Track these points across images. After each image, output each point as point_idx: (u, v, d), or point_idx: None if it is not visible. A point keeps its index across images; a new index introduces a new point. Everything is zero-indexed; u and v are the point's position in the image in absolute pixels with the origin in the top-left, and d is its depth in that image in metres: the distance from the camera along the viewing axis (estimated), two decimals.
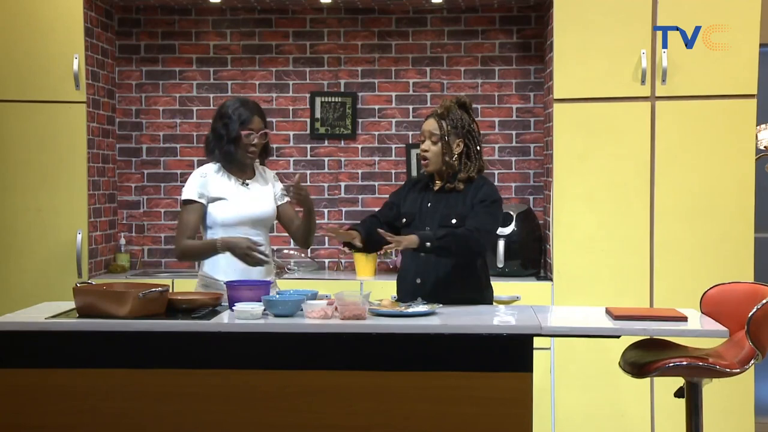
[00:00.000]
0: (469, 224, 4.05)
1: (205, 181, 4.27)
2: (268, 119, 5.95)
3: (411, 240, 3.97)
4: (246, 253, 4.07)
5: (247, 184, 4.32)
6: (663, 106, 5.21)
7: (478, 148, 4.20)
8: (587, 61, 5.21)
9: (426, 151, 4.18)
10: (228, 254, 4.15)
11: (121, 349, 3.70)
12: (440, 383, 3.62)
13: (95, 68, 5.60)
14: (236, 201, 4.26)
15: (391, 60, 5.96)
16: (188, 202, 4.26)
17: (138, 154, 6.04)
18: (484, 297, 4.23)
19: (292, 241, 5.97)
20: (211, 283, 4.25)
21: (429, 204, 4.20)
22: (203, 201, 4.26)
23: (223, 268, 4.22)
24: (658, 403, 5.22)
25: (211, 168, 4.32)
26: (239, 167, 4.32)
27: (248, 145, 4.25)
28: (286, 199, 4.38)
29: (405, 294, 4.17)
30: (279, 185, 4.42)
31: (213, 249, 4.16)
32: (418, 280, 4.17)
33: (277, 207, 4.38)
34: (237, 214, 4.24)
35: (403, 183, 5.80)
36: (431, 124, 4.17)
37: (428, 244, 3.98)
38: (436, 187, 4.22)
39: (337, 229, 4.23)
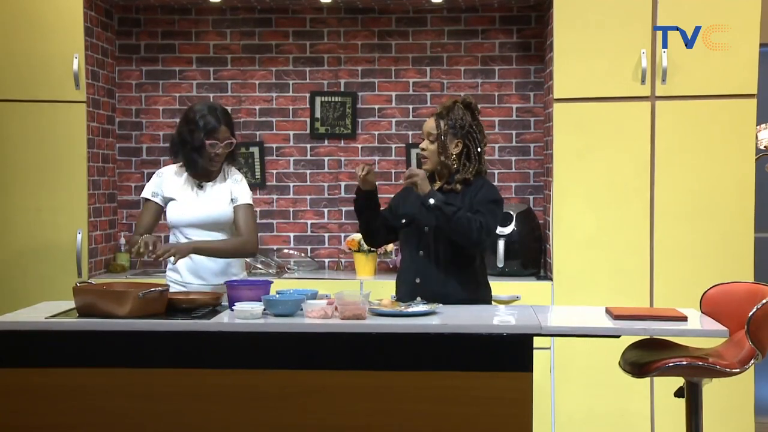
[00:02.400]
0: (476, 217, 4.06)
1: (161, 180, 4.34)
2: (269, 119, 5.98)
3: (423, 187, 4.02)
4: (131, 250, 4.11)
5: (202, 186, 4.32)
6: (663, 105, 5.21)
7: (479, 149, 4.20)
8: (587, 60, 5.21)
9: (424, 150, 4.21)
10: (190, 256, 4.21)
11: (121, 349, 3.70)
12: (440, 383, 3.62)
13: (95, 68, 5.60)
14: (186, 203, 4.28)
15: (391, 60, 5.96)
16: (144, 201, 4.38)
17: (138, 153, 6.04)
18: (483, 297, 4.23)
19: (292, 240, 5.99)
20: (171, 283, 4.30)
21: None
22: (158, 200, 4.33)
23: (179, 269, 4.29)
24: (658, 403, 5.22)
25: (170, 168, 4.37)
26: (202, 173, 4.32)
27: (212, 154, 4.25)
28: (239, 201, 4.31)
29: (404, 294, 4.18)
30: (239, 186, 4.33)
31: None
32: (417, 280, 4.17)
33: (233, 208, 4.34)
34: (184, 216, 4.27)
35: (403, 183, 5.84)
36: (430, 124, 4.21)
37: (432, 200, 4.00)
38: (436, 187, 4.23)
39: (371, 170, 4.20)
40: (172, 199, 4.30)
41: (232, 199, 4.32)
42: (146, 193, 4.35)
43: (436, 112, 4.22)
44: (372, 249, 5.51)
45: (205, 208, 4.28)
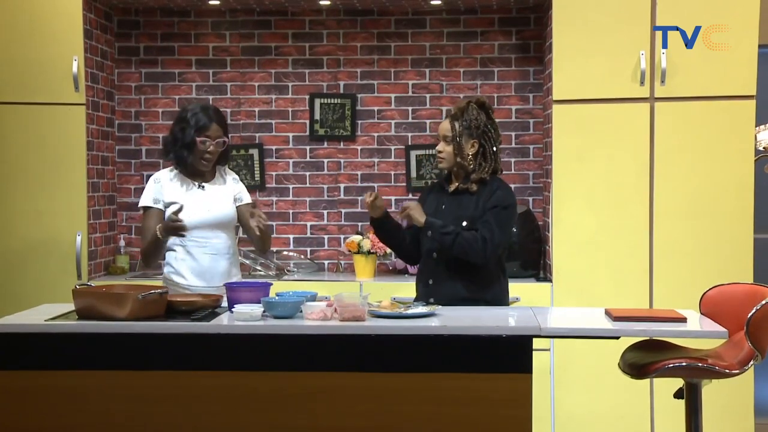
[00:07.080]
0: (480, 232, 4.08)
1: (159, 186, 4.32)
2: (268, 121, 5.98)
3: (418, 218, 4.10)
4: (166, 227, 4.12)
5: (203, 187, 4.32)
6: (662, 107, 5.21)
7: (495, 149, 4.22)
8: (586, 62, 5.21)
9: (440, 152, 4.24)
10: (186, 258, 4.24)
11: (121, 351, 3.70)
12: (440, 384, 3.63)
13: (94, 70, 5.60)
14: (190, 205, 4.26)
15: (391, 61, 5.96)
16: (145, 209, 4.34)
17: (137, 155, 6.04)
18: (491, 298, 4.21)
19: (291, 242, 5.99)
20: (171, 285, 4.29)
21: (444, 206, 4.23)
22: (159, 206, 4.30)
23: (182, 271, 4.28)
24: (658, 404, 5.22)
25: (165, 173, 4.36)
26: (193, 172, 4.32)
27: (203, 152, 4.25)
28: (244, 201, 4.39)
29: (419, 295, 4.24)
30: (239, 186, 4.42)
31: (157, 239, 4.17)
32: (430, 281, 4.21)
33: (237, 208, 4.37)
34: (190, 218, 4.23)
35: (403, 185, 5.86)
36: (445, 126, 4.24)
37: (429, 233, 4.08)
38: (452, 189, 4.24)
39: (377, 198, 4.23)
40: (174, 203, 4.28)
41: (236, 198, 4.35)
42: (146, 201, 4.32)
43: (450, 113, 4.25)
44: (371, 251, 5.52)
45: (210, 208, 4.29)
